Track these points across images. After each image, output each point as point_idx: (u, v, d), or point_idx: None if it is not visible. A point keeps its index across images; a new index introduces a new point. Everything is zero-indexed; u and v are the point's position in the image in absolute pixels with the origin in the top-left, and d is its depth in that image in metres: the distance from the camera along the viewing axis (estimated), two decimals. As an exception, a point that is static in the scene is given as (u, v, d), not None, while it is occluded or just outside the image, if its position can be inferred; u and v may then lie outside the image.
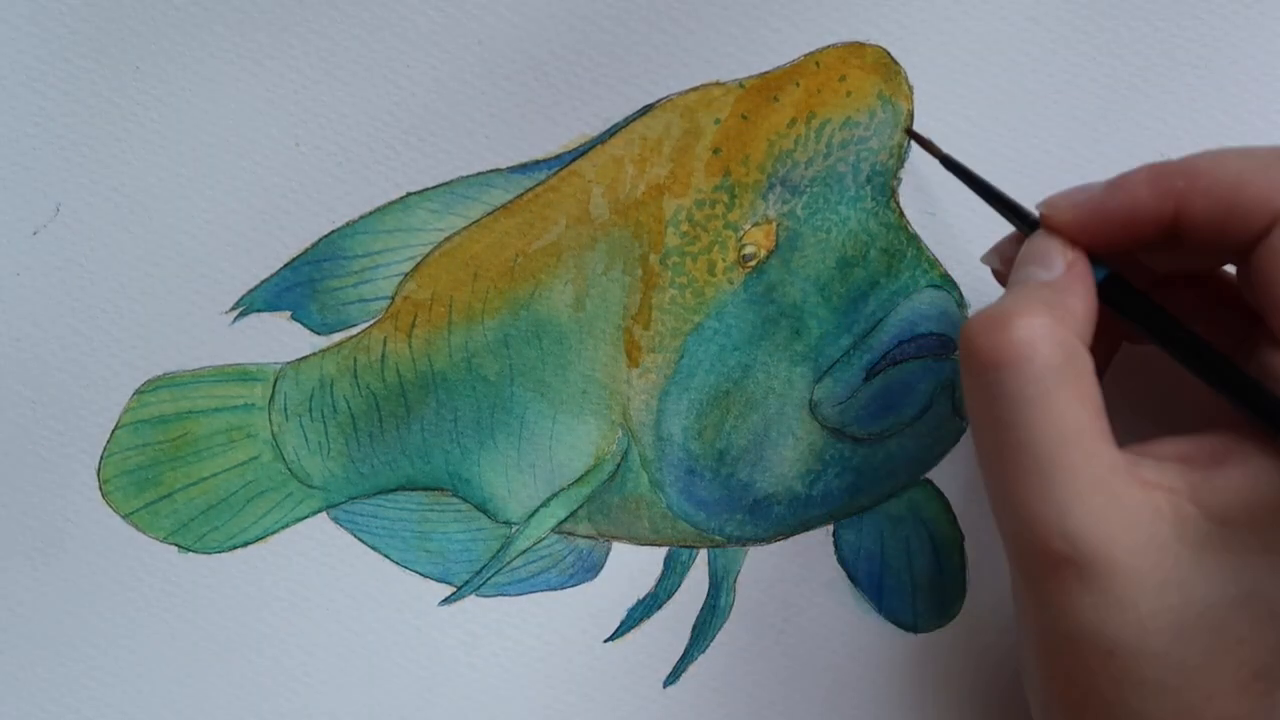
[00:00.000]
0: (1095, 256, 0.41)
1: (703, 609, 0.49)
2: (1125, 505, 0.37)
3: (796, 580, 0.49)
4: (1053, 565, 0.37)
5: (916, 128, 0.48)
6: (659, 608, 0.49)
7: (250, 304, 0.48)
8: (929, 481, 0.49)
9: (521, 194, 0.48)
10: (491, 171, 0.48)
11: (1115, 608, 0.37)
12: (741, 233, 0.47)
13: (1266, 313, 0.38)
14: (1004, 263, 0.44)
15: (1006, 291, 0.40)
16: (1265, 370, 0.39)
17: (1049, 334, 0.37)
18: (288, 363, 0.48)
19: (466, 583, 0.49)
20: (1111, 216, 0.40)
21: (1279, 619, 0.37)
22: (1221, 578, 0.37)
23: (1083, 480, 0.37)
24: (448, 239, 0.48)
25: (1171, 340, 0.40)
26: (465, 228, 0.48)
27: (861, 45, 0.47)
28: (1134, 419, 0.44)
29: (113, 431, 0.48)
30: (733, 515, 0.49)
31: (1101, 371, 0.42)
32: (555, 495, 0.49)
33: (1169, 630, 0.37)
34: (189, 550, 0.49)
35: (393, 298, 0.48)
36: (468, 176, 0.48)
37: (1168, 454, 0.39)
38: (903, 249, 0.48)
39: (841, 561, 0.49)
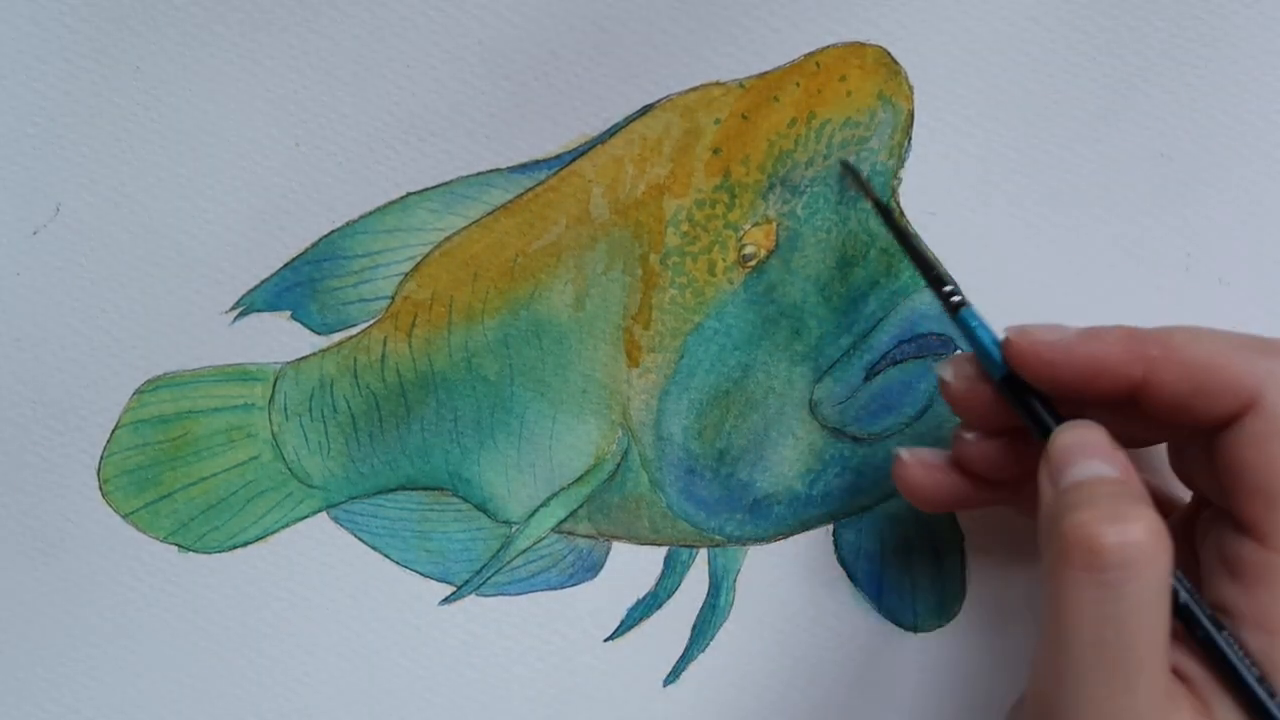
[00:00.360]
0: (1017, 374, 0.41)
1: (703, 608, 0.49)
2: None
3: (796, 580, 0.49)
4: None
5: (917, 127, 0.48)
6: (659, 607, 0.49)
7: (250, 304, 0.48)
8: (929, 481, 0.49)
9: (521, 194, 0.48)
10: (491, 171, 0.48)
11: None
12: (741, 233, 0.47)
13: (1234, 497, 0.39)
14: (959, 380, 0.43)
15: (1076, 496, 0.38)
16: (1224, 557, 0.39)
17: (1166, 541, 0.37)
18: (288, 363, 0.48)
19: (466, 582, 0.49)
20: (1079, 365, 0.40)
21: None
22: None
23: (1158, 690, 0.37)
24: (448, 239, 0.48)
25: None
26: (465, 228, 0.48)
27: (862, 45, 0.47)
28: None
29: (113, 431, 0.48)
30: (733, 515, 0.49)
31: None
32: (555, 495, 0.49)
33: None
34: (189, 550, 0.49)
35: (393, 298, 0.48)
36: (468, 176, 0.48)
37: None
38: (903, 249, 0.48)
39: (841, 561, 0.49)
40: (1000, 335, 0.42)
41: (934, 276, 0.44)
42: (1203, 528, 0.40)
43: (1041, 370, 0.40)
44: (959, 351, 0.47)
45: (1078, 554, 0.36)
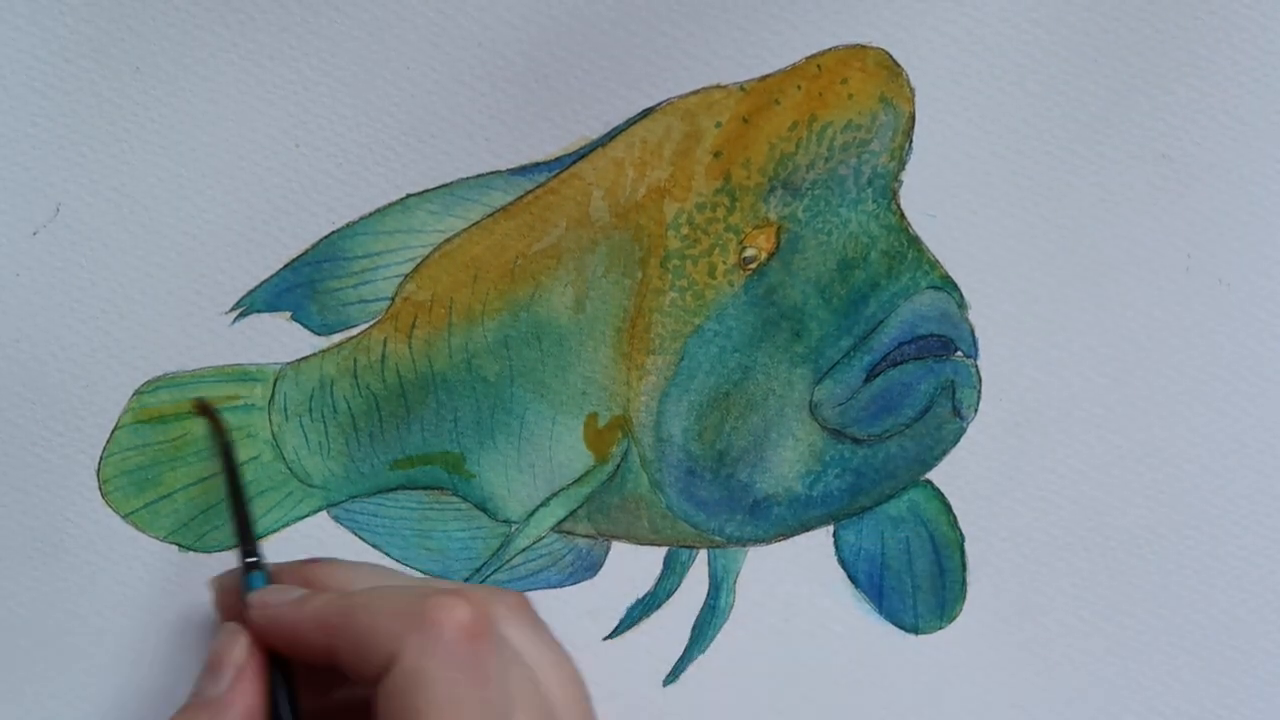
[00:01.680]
0: None
1: (703, 609, 0.49)
2: None
3: (797, 581, 0.49)
4: None
5: (918, 129, 0.48)
6: (658, 607, 0.49)
7: (250, 304, 0.48)
8: (929, 482, 0.49)
9: (522, 196, 0.48)
10: (492, 174, 0.48)
11: None
12: (742, 235, 0.47)
13: None
14: (223, 594, 0.46)
15: (186, 702, 0.42)
16: None
17: None
18: (288, 363, 0.48)
19: (466, 581, 0.49)
20: (284, 633, 0.42)
21: None
22: None
23: None
24: (448, 240, 0.48)
25: None
26: (465, 229, 0.48)
27: (863, 48, 0.47)
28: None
29: (113, 431, 0.48)
30: (733, 516, 0.49)
31: None
32: (555, 495, 0.49)
33: None
34: (189, 550, 0.49)
35: (393, 299, 0.48)
36: (468, 178, 0.48)
37: None
38: (903, 251, 0.48)
39: (842, 562, 0.49)
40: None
41: (245, 541, 0.45)
42: None
43: (263, 633, 0.42)
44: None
45: None
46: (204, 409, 0.48)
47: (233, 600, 0.44)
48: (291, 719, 0.42)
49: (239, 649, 0.42)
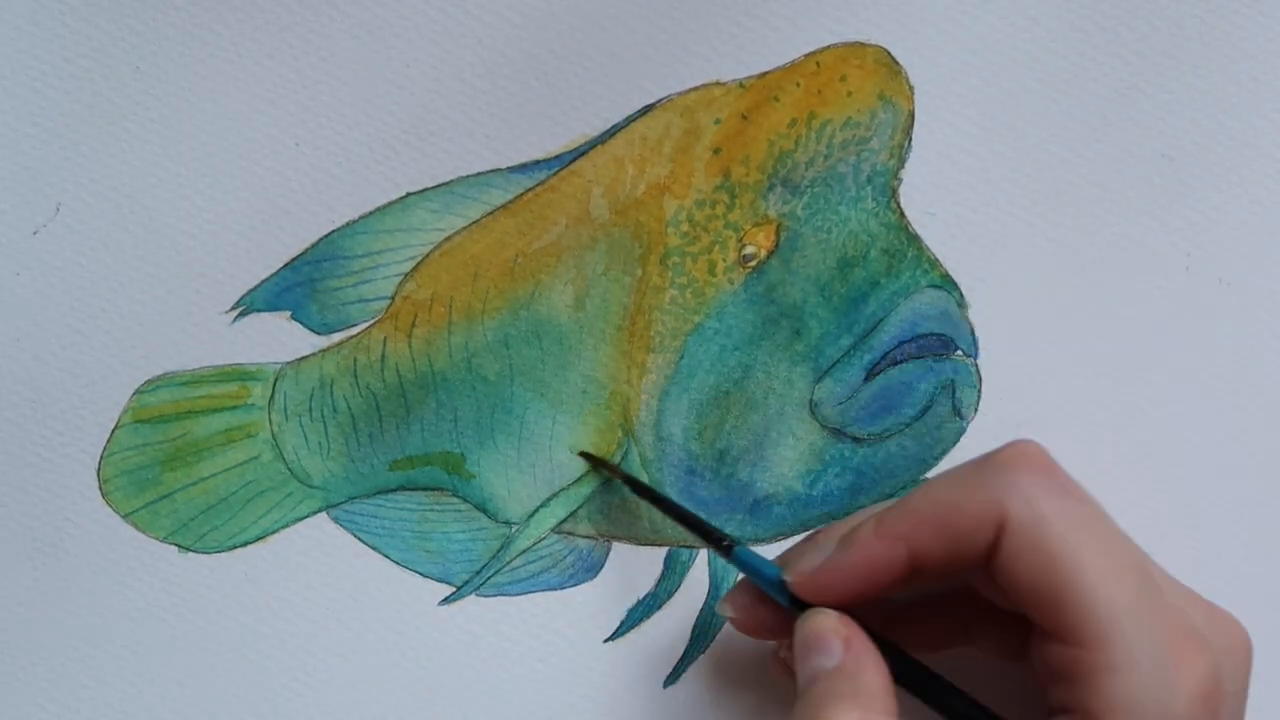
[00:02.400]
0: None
1: (703, 610, 0.49)
2: None
3: (797, 580, 0.49)
4: None
5: (917, 128, 0.48)
6: (659, 608, 0.49)
7: (250, 304, 0.48)
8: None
9: (521, 194, 0.48)
10: (491, 171, 0.48)
11: None
12: (742, 233, 0.47)
13: (1029, 610, 0.40)
14: (739, 610, 0.45)
15: (803, 689, 0.41)
16: (1050, 666, 0.40)
17: None
18: (288, 363, 0.48)
19: (466, 582, 0.49)
20: (850, 575, 0.41)
21: None
22: None
23: None
24: (448, 239, 0.48)
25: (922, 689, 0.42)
26: (465, 228, 0.48)
27: (862, 45, 0.47)
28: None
29: (113, 431, 0.48)
30: (733, 515, 0.49)
31: None
32: (555, 495, 0.49)
33: None
34: (189, 550, 0.49)
35: (393, 298, 0.48)
36: (467, 176, 0.48)
37: None
38: (903, 249, 0.48)
39: (842, 562, 0.49)
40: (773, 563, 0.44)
41: (705, 529, 0.45)
42: (1033, 642, 0.41)
43: (824, 594, 0.42)
44: (736, 584, 0.47)
45: None
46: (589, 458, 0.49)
47: (752, 605, 0.45)
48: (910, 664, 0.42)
49: (827, 619, 0.42)
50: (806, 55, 0.47)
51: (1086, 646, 0.38)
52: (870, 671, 0.40)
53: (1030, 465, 0.40)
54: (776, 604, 0.43)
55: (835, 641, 0.41)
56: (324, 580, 0.49)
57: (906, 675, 0.41)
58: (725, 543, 0.44)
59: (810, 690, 0.40)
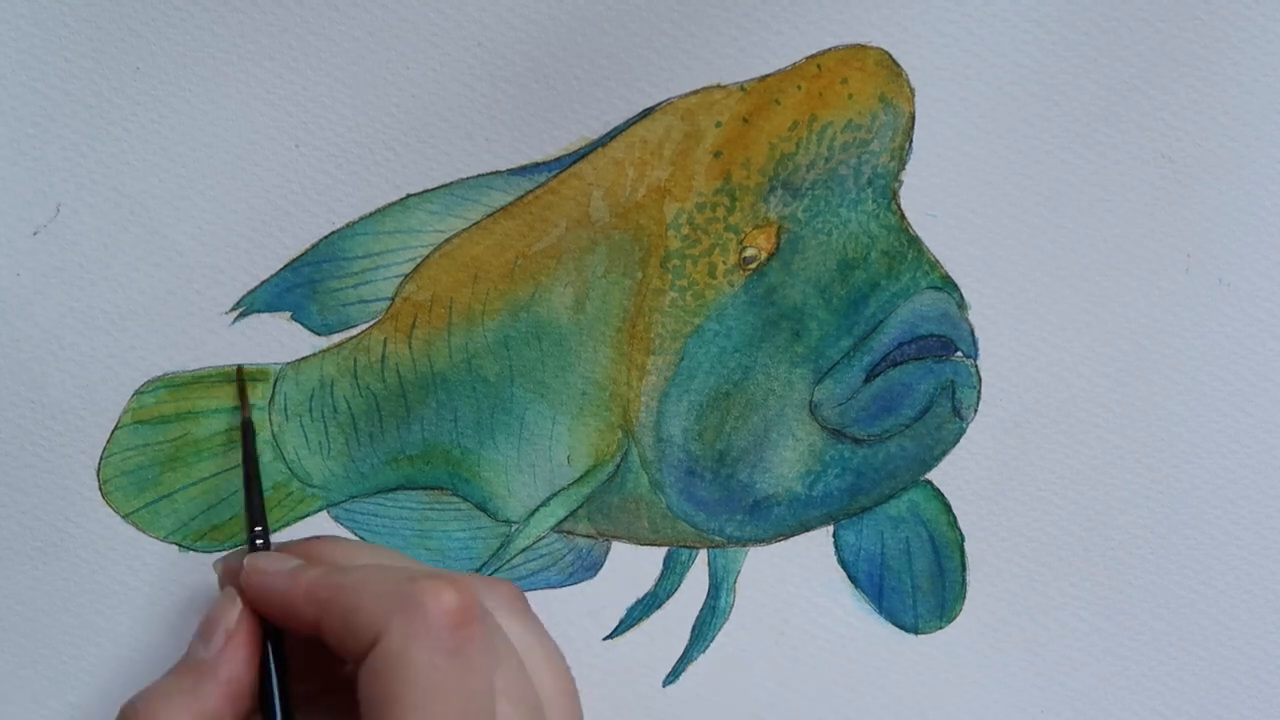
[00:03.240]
0: None
1: (703, 609, 0.49)
2: None
3: (797, 581, 0.49)
4: None
5: (918, 129, 0.48)
6: (658, 607, 0.49)
7: (250, 304, 0.48)
8: (929, 483, 0.49)
9: (522, 196, 0.48)
10: (491, 174, 0.48)
11: None
12: (742, 235, 0.47)
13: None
14: (227, 573, 0.45)
15: (174, 669, 0.42)
16: None
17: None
18: (288, 363, 0.48)
19: (466, 581, 0.49)
20: (275, 601, 0.41)
21: None
22: None
23: None
24: (448, 241, 0.48)
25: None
26: (465, 229, 0.48)
27: (863, 48, 0.47)
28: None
29: (112, 432, 0.48)
30: (733, 516, 0.49)
31: None
32: (555, 494, 0.49)
33: None
34: (189, 550, 0.49)
35: (393, 299, 0.48)
36: (468, 178, 0.48)
37: None
38: (903, 251, 0.48)
39: (841, 562, 0.49)
40: None
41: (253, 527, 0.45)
42: None
43: (257, 602, 0.42)
44: None
45: None
46: (239, 376, 0.48)
47: (235, 575, 0.44)
48: (277, 687, 0.42)
49: (232, 613, 0.42)
50: (807, 58, 0.47)
51: None
52: (226, 677, 0.41)
53: (445, 615, 0.39)
54: None
55: (219, 633, 0.42)
56: (324, 580, 0.49)
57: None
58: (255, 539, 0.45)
59: (177, 668, 0.42)
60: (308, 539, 0.46)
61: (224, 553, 0.47)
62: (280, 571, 0.42)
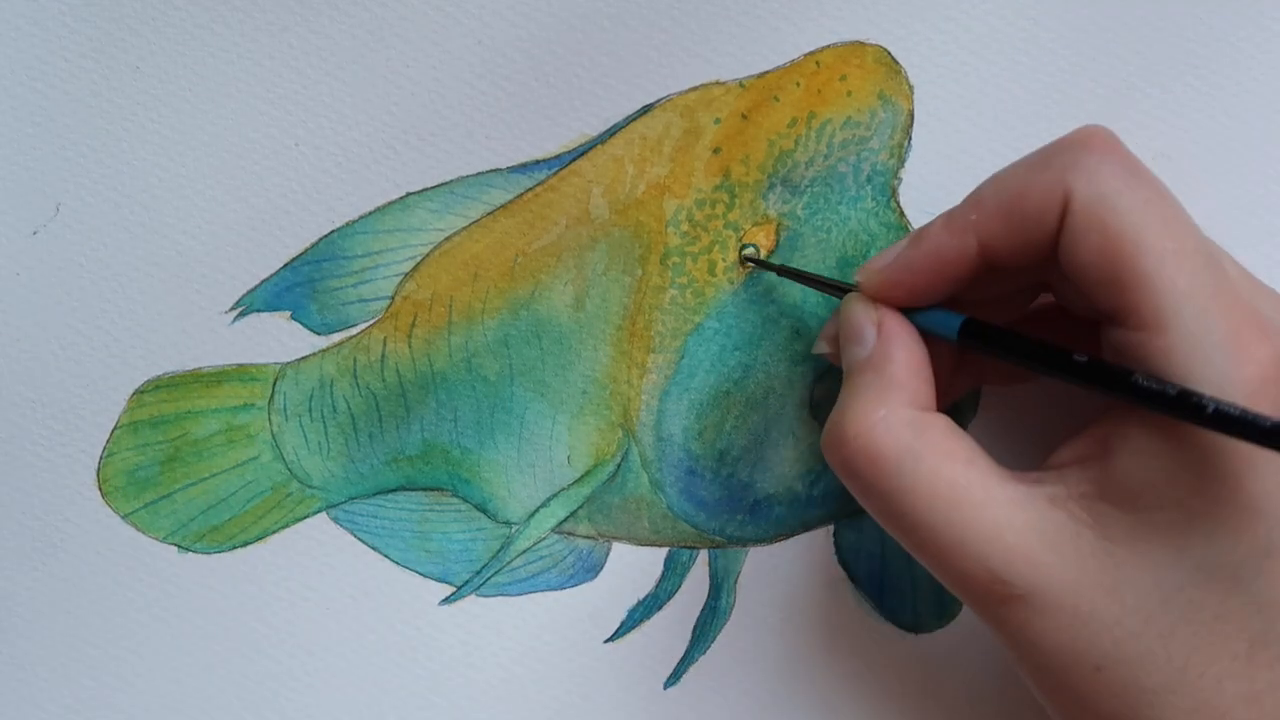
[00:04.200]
0: (945, 305, 0.42)
1: (704, 610, 0.49)
2: (1040, 529, 0.38)
3: (797, 581, 0.49)
4: (1002, 603, 0.38)
5: (917, 127, 0.48)
6: (659, 608, 0.49)
7: (250, 304, 0.48)
8: (929, 482, 0.49)
9: (521, 194, 0.48)
10: (491, 171, 0.48)
11: (1075, 626, 0.38)
12: (742, 232, 0.47)
13: (1087, 292, 0.39)
14: (831, 344, 0.45)
15: (844, 384, 0.42)
16: (1117, 352, 0.38)
17: (884, 429, 0.40)
18: (287, 363, 0.48)
19: (466, 582, 0.49)
20: (919, 267, 0.41)
21: (1240, 582, 0.37)
22: (1165, 562, 0.37)
23: (987, 526, 0.39)
24: (447, 239, 0.48)
25: (1035, 357, 0.40)
26: (465, 228, 0.48)
27: (862, 45, 0.47)
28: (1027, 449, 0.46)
29: (112, 432, 0.48)
30: (733, 516, 0.49)
31: (973, 390, 0.46)
32: (555, 495, 0.49)
33: (1140, 631, 0.37)
34: (189, 550, 0.49)
35: (392, 298, 0.48)
36: (467, 176, 0.48)
37: (1064, 460, 0.40)
38: (903, 249, 0.48)
39: (842, 562, 0.49)
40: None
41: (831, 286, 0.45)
42: (1101, 334, 0.40)
43: (894, 291, 0.42)
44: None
45: (833, 468, 0.42)
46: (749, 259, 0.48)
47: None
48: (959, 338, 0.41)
49: (864, 308, 0.42)
50: (806, 55, 0.47)
51: (1146, 329, 0.37)
52: (900, 358, 0.41)
53: (1097, 145, 0.39)
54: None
55: (868, 327, 0.42)
56: (324, 580, 0.49)
57: (1027, 353, 0.40)
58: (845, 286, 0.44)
59: (846, 381, 0.42)
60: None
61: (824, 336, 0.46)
62: (898, 252, 0.42)
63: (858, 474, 0.40)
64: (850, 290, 0.43)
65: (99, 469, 0.48)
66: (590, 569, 0.49)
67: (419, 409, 0.49)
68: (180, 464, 0.49)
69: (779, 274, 0.47)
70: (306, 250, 0.48)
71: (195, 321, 0.48)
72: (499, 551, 0.49)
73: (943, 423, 0.40)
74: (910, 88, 0.48)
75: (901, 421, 0.40)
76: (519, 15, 0.47)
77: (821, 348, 0.45)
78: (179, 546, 0.49)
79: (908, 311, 0.42)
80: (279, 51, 0.47)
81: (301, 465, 0.49)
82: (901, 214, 0.48)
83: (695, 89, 0.47)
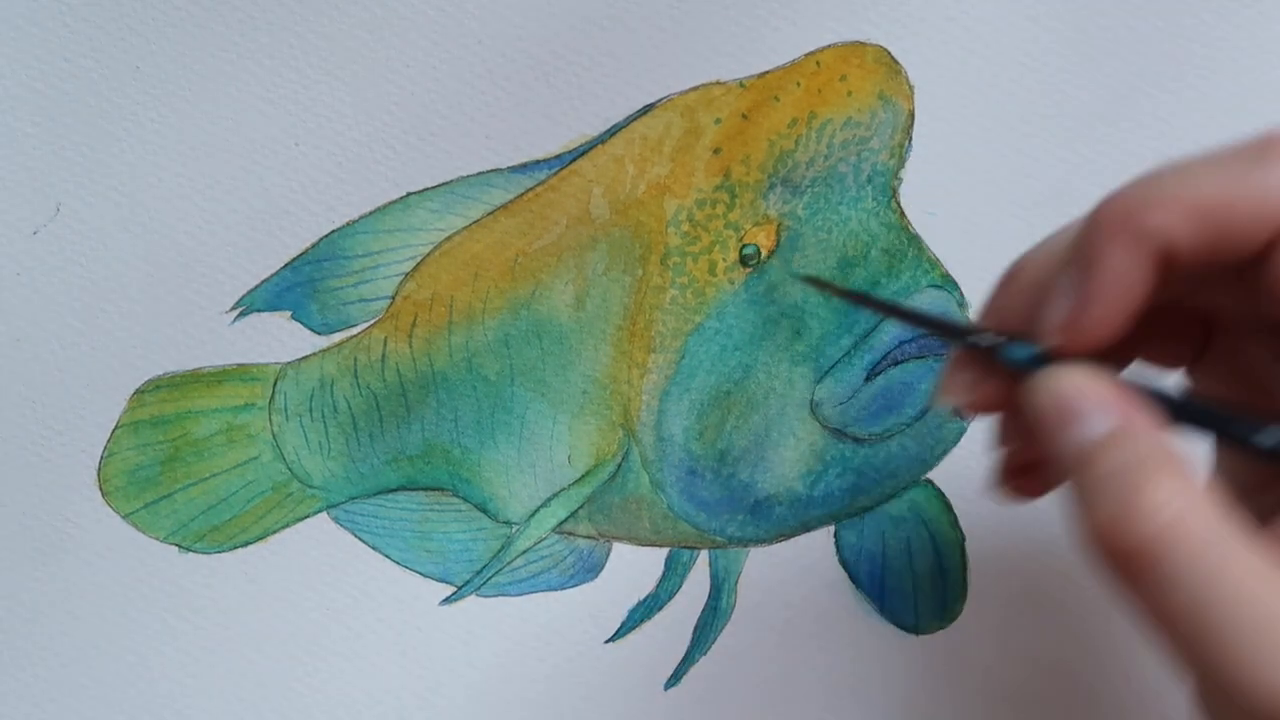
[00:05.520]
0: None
1: (704, 611, 0.49)
2: None
3: (798, 581, 0.49)
4: None
5: (917, 127, 0.48)
6: (660, 609, 0.49)
7: (250, 304, 0.48)
8: (930, 482, 0.49)
9: (522, 194, 0.48)
10: (492, 171, 0.48)
11: None
12: (742, 233, 0.47)
13: None
14: (963, 391, 0.36)
15: (1080, 474, 0.32)
16: None
17: (1189, 498, 0.30)
18: (288, 363, 0.48)
19: (467, 582, 0.49)
20: (1105, 315, 0.33)
21: None
22: None
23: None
24: (448, 239, 0.48)
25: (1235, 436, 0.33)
26: (465, 227, 0.48)
27: (862, 45, 0.47)
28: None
29: (112, 432, 0.48)
30: (734, 516, 0.49)
31: None
32: (556, 495, 0.49)
33: None
34: (189, 550, 0.49)
35: (393, 297, 0.48)
36: (468, 176, 0.48)
37: None
38: (903, 249, 0.48)
39: (843, 562, 0.49)
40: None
41: (952, 331, 0.38)
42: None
43: (1086, 342, 0.33)
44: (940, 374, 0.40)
45: (1107, 560, 0.31)
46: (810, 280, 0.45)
47: (978, 381, 0.35)
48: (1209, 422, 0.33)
49: (1078, 375, 0.32)
50: (807, 55, 0.47)
51: None
52: (1158, 430, 0.31)
53: None
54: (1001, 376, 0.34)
55: (1098, 403, 0.32)
56: (324, 580, 0.49)
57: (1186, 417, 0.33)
58: (959, 329, 0.37)
59: (1094, 471, 0.31)
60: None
61: (948, 387, 0.36)
62: (1066, 294, 0.33)
63: (1155, 556, 0.30)
64: (967, 332, 0.35)
65: (99, 469, 0.48)
66: (591, 569, 0.49)
67: (419, 409, 0.49)
68: (181, 464, 0.49)
69: (873, 307, 0.44)
70: (307, 250, 0.48)
71: (195, 321, 0.48)
72: (499, 551, 0.49)
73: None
74: (911, 88, 0.48)
75: (1197, 492, 0.30)
76: (519, 15, 0.47)
77: (954, 398, 0.36)
78: (179, 546, 0.49)
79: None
80: (279, 51, 0.47)
81: (302, 465, 0.49)
82: (902, 214, 0.48)
83: (696, 89, 0.47)
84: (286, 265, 0.48)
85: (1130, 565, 0.31)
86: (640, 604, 0.49)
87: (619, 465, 0.48)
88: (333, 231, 0.48)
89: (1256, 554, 0.30)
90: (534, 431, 0.48)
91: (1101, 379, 0.32)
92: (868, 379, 0.48)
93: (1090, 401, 0.32)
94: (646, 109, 0.47)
